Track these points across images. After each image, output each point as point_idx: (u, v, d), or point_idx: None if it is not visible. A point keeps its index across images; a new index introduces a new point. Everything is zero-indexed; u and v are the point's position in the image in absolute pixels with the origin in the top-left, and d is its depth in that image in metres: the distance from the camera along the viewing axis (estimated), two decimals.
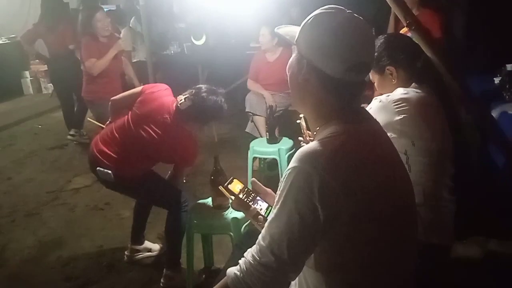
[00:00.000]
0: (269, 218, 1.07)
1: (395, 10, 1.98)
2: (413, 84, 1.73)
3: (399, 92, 1.68)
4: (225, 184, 1.50)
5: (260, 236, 1.08)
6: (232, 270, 1.13)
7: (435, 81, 1.80)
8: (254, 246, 1.09)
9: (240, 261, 1.12)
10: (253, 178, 1.53)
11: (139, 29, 5.48)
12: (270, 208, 1.40)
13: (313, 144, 1.04)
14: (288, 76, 1.15)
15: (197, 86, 2.43)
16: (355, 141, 1.06)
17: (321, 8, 1.09)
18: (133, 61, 5.39)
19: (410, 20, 1.96)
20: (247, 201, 1.44)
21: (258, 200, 1.45)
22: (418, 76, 1.75)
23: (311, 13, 1.10)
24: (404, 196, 1.13)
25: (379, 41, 1.77)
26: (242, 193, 1.47)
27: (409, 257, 1.15)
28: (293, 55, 1.14)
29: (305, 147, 1.04)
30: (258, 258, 1.05)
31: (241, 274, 1.09)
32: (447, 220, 1.68)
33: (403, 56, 1.74)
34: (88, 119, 3.41)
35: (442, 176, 1.68)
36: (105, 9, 6.59)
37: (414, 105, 1.63)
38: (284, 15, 5.18)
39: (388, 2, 1.97)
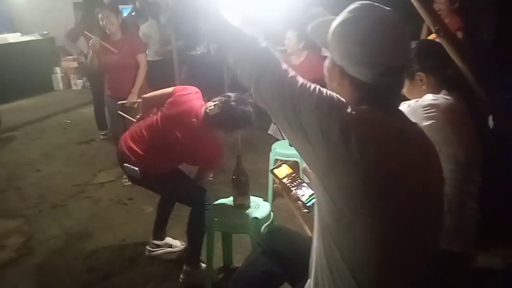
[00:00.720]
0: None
1: (423, 16, 1.95)
2: (443, 91, 1.72)
3: (429, 98, 1.67)
4: (272, 168, 1.58)
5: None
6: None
7: (465, 89, 1.78)
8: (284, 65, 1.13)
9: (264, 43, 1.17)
10: (305, 165, 1.50)
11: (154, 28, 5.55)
12: (313, 195, 1.42)
13: (357, 108, 1.05)
14: (325, 77, 1.17)
15: (227, 93, 2.46)
16: (394, 122, 1.07)
17: (355, 3, 1.06)
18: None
19: (439, 27, 1.93)
20: (289, 186, 1.49)
21: (303, 186, 1.49)
22: (448, 83, 1.73)
23: (334, 14, 1.09)
24: (431, 195, 1.13)
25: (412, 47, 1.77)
26: (288, 177, 1.53)
27: (420, 257, 1.12)
28: (327, 60, 1.15)
29: (350, 110, 1.03)
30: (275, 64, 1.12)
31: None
32: (470, 228, 1.66)
33: (434, 62, 1.74)
34: (119, 112, 3.49)
35: (467, 184, 1.66)
36: (124, 9, 6.82)
37: (443, 112, 1.62)
38: (307, 16, 5.17)
39: (417, 8, 1.95)
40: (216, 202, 2.50)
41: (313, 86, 1.06)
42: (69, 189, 3.90)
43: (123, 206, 3.56)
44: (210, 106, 2.41)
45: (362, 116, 1.02)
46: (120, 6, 6.85)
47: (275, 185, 1.58)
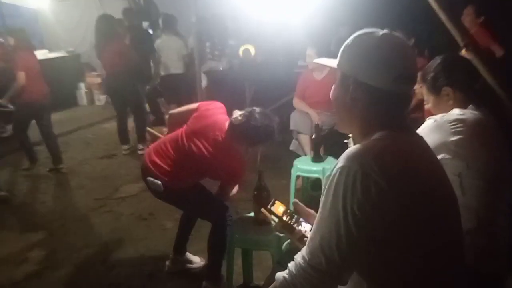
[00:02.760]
0: (316, 219, 1.07)
1: (451, 30, 1.93)
2: (470, 106, 1.68)
3: (456, 113, 1.63)
4: (268, 206, 1.50)
5: (309, 237, 1.08)
6: (281, 274, 1.13)
7: (494, 104, 1.74)
8: (304, 248, 1.09)
9: (289, 264, 1.11)
10: (295, 199, 1.51)
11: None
12: None
13: (360, 145, 1.05)
14: (333, 101, 1.17)
15: (254, 107, 2.48)
16: (402, 145, 1.07)
17: (357, 32, 1.12)
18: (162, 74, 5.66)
19: (467, 41, 1.90)
20: (291, 223, 1.42)
21: (302, 221, 1.42)
22: (476, 98, 1.69)
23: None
24: (448, 215, 1.10)
25: (436, 61, 1.74)
26: (285, 215, 1.45)
27: (448, 278, 1.09)
28: (336, 81, 1.16)
29: (351, 148, 1.04)
30: (308, 260, 1.05)
31: (290, 277, 1.09)
32: (501, 248, 1.59)
33: (461, 77, 1.70)
34: (148, 128, 3.55)
35: (497, 201, 1.60)
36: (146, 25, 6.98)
37: (470, 126, 1.58)
38: (333, 34, 5.18)
39: (445, 23, 1.93)
40: (237, 218, 2.47)
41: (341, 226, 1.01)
42: (91, 203, 3.94)
43: (144, 221, 3.56)
44: (235, 116, 2.43)
45: (375, 165, 0.99)
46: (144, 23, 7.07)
47: (273, 223, 1.50)
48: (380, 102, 1.08)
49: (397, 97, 1.08)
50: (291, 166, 3.40)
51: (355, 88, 1.09)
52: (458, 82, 1.70)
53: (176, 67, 5.68)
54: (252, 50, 4.79)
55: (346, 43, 1.13)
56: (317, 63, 3.95)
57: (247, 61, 5.54)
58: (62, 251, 3.15)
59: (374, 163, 0.98)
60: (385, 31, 1.10)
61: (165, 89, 5.94)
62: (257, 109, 2.45)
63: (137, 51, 5.28)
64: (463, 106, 1.68)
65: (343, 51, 1.13)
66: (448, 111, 1.68)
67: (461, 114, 1.63)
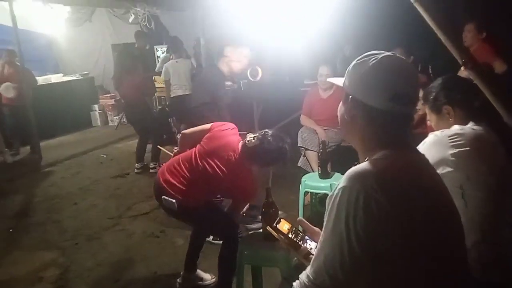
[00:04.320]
0: (320, 238, 1.10)
1: (450, 48, 1.97)
2: (471, 122, 1.72)
3: (455, 128, 1.69)
4: (274, 224, 1.52)
5: (313, 257, 1.11)
6: None
7: (494, 119, 1.78)
8: (308, 267, 1.11)
9: (294, 284, 1.13)
10: (300, 217, 1.54)
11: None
12: None
13: (361, 165, 1.08)
14: (339, 118, 1.23)
15: (266, 130, 2.56)
16: (403, 164, 1.09)
17: (364, 53, 1.16)
18: (172, 96, 5.84)
19: (466, 59, 1.95)
20: (297, 241, 1.44)
21: (307, 239, 1.44)
22: (475, 115, 1.74)
23: (363, 51, 1.18)
24: (451, 230, 1.12)
25: (437, 82, 1.82)
26: (291, 232, 1.48)
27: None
28: (342, 99, 1.21)
29: (353, 168, 1.07)
30: (312, 279, 1.07)
31: None
32: (507, 259, 1.60)
33: (460, 95, 1.77)
34: (159, 147, 3.66)
35: (501, 212, 1.62)
36: (160, 49, 7.20)
37: (469, 140, 1.62)
38: (337, 52, 5.26)
39: (443, 41, 1.98)
40: (246, 235, 2.51)
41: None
42: (104, 222, 4.01)
43: (155, 239, 3.61)
44: (249, 139, 2.49)
45: (377, 184, 1.01)
46: (156, 46, 7.27)
47: (279, 240, 1.52)
48: (378, 121, 1.11)
49: (394, 117, 1.10)
50: (299, 182, 3.44)
51: (354, 106, 1.14)
52: (458, 101, 1.77)
53: (187, 88, 5.82)
54: (260, 71, 4.89)
55: (351, 64, 1.17)
56: (329, 84, 4.01)
57: (254, 81, 5.64)
58: (75, 270, 3.20)
59: (375, 182, 1.01)
60: (387, 53, 1.13)
61: (176, 110, 6.09)
62: (270, 132, 2.51)
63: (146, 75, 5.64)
64: (463, 123, 1.73)
65: (347, 71, 1.18)
66: (449, 127, 1.74)
67: (460, 129, 1.68)
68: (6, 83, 6.05)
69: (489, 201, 1.60)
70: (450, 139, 1.63)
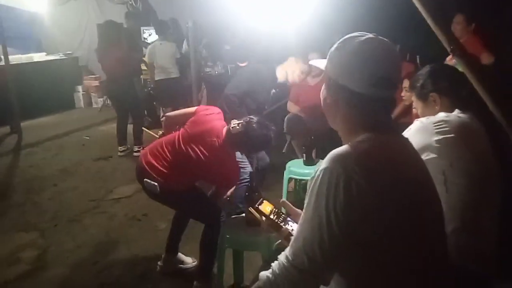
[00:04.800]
0: (300, 220, 1.09)
1: (439, 36, 1.96)
2: (456, 110, 1.72)
3: (441, 115, 1.68)
4: (256, 205, 1.52)
5: (293, 238, 1.10)
6: (265, 273, 1.14)
7: (480, 109, 1.78)
8: (288, 248, 1.10)
9: (272, 264, 1.12)
10: (283, 199, 1.53)
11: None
12: None
13: (343, 147, 1.06)
14: (322, 102, 1.21)
15: (251, 116, 2.53)
16: (385, 148, 1.08)
17: (345, 36, 1.14)
18: (156, 79, 5.79)
19: (454, 46, 1.94)
20: (278, 222, 1.44)
21: (289, 221, 1.44)
22: (462, 104, 1.74)
23: None
24: (431, 218, 1.12)
25: (425, 69, 1.81)
26: (273, 214, 1.47)
27: (431, 279, 1.10)
28: (324, 83, 1.19)
29: (335, 150, 1.06)
30: (291, 259, 1.06)
31: (273, 277, 1.09)
32: (487, 248, 1.61)
33: (447, 83, 1.76)
34: (144, 129, 3.59)
35: (483, 202, 1.62)
36: (147, 31, 7.06)
37: (454, 127, 1.62)
38: (326, 42, 5.22)
39: (433, 28, 1.96)
40: (228, 219, 2.50)
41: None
42: (85, 204, 3.95)
43: (137, 222, 3.58)
44: (234, 125, 2.46)
45: (358, 166, 1.00)
46: (142, 28, 7.14)
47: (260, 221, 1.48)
48: (360, 105, 1.10)
49: (377, 101, 1.09)
50: (284, 168, 3.43)
51: (336, 90, 1.12)
52: (444, 88, 1.76)
53: (171, 72, 5.75)
54: (248, 56, 4.89)
55: (333, 46, 1.15)
56: (312, 65, 4.00)
57: (242, 66, 5.59)
58: (54, 252, 3.15)
59: (356, 165, 1.00)
60: (370, 35, 1.11)
61: (160, 93, 6.01)
62: (255, 118, 2.49)
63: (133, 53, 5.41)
64: (449, 111, 1.73)
65: (329, 54, 1.16)
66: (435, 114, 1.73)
67: (446, 116, 1.67)
68: None
69: (469, 189, 1.60)
70: (435, 126, 1.63)
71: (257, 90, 3.41)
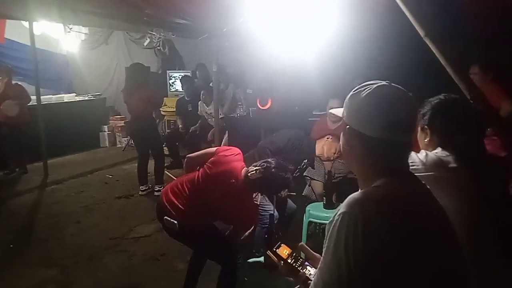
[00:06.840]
0: (320, 264, 1.09)
1: (458, 84, 2.01)
2: (439, 148, 1.68)
3: (422, 155, 1.65)
4: (273, 249, 1.51)
5: (312, 282, 1.10)
6: None
7: (479, 160, 1.71)
8: None
9: None
10: (301, 243, 1.53)
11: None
12: None
13: (361, 192, 1.08)
14: (341, 147, 1.25)
15: (269, 159, 2.56)
16: (401, 192, 1.09)
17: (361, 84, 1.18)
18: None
19: (474, 94, 1.97)
20: (296, 266, 1.42)
21: (307, 265, 1.42)
22: (452, 149, 1.67)
23: None
24: (451, 261, 1.10)
25: (436, 99, 1.77)
26: (291, 258, 1.45)
27: None
28: (343, 130, 1.23)
29: (353, 195, 1.07)
30: None
31: None
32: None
33: (441, 124, 1.72)
34: (166, 172, 3.64)
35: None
36: (181, 75, 7.32)
37: (427, 167, 1.60)
38: (347, 86, 5.30)
39: (452, 76, 2.01)
40: (247, 262, 2.48)
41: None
42: (106, 242, 3.99)
43: (156, 262, 3.58)
44: (252, 171, 2.48)
45: (376, 210, 1.02)
46: (168, 72, 7.43)
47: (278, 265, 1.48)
48: (376, 150, 1.12)
49: (390, 145, 1.11)
50: (304, 211, 3.42)
51: (352, 136, 1.16)
52: (437, 128, 1.73)
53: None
54: (269, 100, 4.99)
55: (349, 94, 1.19)
56: (339, 117, 4.06)
57: (263, 109, 5.72)
58: None
59: (375, 209, 1.01)
60: (381, 82, 1.15)
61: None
62: (273, 162, 2.50)
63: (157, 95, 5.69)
64: (435, 148, 1.71)
65: (345, 101, 1.20)
66: (424, 147, 1.74)
67: (424, 157, 1.64)
68: (8, 101, 5.86)
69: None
70: (411, 163, 1.59)
71: (291, 155, 3.53)
